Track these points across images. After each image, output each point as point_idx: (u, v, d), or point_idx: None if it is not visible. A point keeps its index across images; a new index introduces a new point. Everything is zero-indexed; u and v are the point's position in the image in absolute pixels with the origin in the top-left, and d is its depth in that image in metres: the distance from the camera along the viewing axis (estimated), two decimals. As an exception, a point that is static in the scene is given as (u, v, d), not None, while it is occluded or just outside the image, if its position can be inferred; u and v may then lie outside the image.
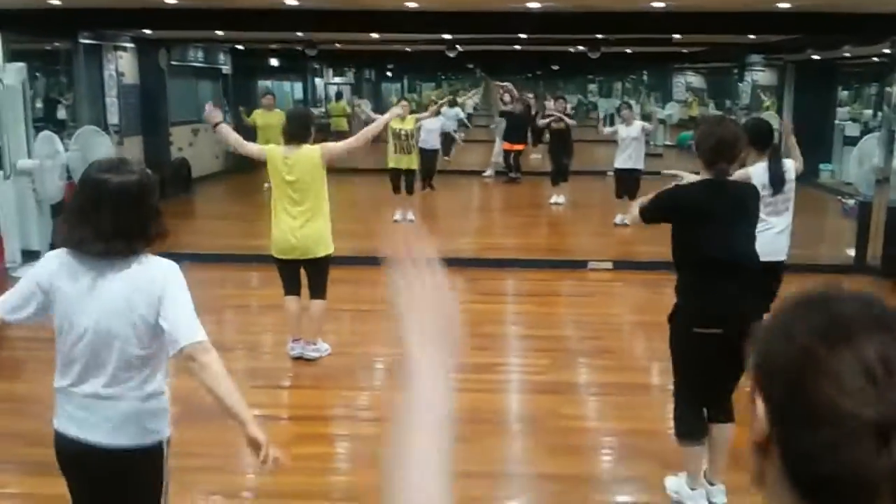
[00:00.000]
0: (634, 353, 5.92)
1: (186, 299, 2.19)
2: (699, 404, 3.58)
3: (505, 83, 15.57)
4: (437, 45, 13.13)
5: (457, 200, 13.01)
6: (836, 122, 15.56)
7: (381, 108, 26.48)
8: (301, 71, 18.10)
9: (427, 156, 12.01)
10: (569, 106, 12.46)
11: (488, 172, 15.41)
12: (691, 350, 3.46)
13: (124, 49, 11.43)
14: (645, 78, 24.79)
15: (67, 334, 2.15)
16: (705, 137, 3.38)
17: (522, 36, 11.46)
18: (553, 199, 11.93)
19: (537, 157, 18.30)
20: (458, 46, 12.65)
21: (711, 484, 3.62)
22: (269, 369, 5.41)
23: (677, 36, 11.34)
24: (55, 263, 2.18)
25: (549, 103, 13.56)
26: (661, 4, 7.32)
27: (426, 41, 13.13)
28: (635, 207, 3.71)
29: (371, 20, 8.86)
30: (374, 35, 12.16)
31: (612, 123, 24.03)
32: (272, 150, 5.13)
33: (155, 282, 2.15)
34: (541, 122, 11.88)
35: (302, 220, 4.97)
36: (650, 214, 3.60)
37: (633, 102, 14.52)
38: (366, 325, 6.21)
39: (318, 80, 21.99)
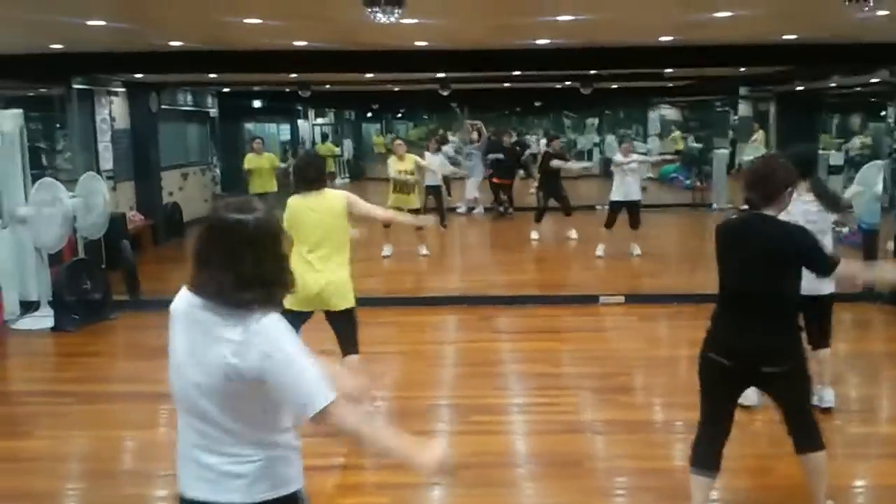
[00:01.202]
0: (664, 389, 5.81)
1: None
2: (716, 434, 3.52)
3: (476, 121, 15.76)
4: (427, 83, 13.17)
5: (454, 237, 12.95)
6: (821, 151, 15.78)
7: (362, 147, 26.65)
8: (286, 113, 18.09)
9: (434, 191, 12.50)
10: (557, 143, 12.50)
11: (462, 209, 15.50)
12: (703, 373, 3.50)
13: (115, 94, 11.31)
14: (621, 113, 25.10)
15: None
16: (749, 174, 3.45)
17: (517, 73, 11.50)
18: (535, 235, 12.01)
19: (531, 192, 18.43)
20: (451, 85, 12.71)
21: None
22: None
23: (669, 70, 11.46)
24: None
25: (533, 138, 13.73)
26: (669, 38, 7.38)
27: (417, 80, 13.15)
28: None
29: (374, 60, 8.83)
30: (370, 75, 12.16)
31: (590, 158, 24.44)
32: (290, 201, 4.84)
33: None
34: (555, 163, 11.79)
35: (324, 269, 4.66)
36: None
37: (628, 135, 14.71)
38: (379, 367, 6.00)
39: (300, 122, 22.04)
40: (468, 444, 4.82)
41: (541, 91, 17.22)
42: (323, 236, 4.69)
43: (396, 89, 16.37)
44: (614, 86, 14.73)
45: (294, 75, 12.17)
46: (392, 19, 4.69)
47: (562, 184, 12.00)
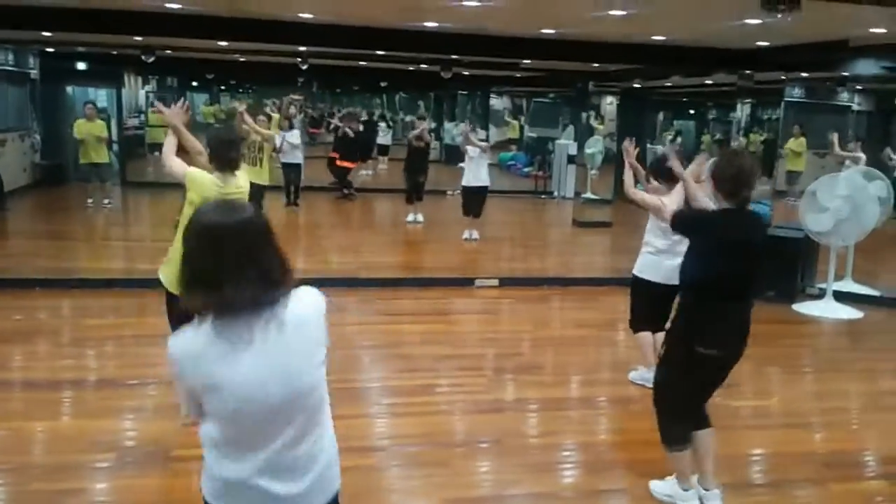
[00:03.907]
0: (561, 367, 6.06)
1: None
2: (693, 416, 3.76)
3: (298, 97, 15.35)
4: (287, 56, 12.77)
5: (311, 218, 12.69)
6: (648, 145, 17.03)
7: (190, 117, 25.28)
8: (113, 77, 16.76)
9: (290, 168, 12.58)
10: (424, 126, 12.54)
11: None
12: (689, 367, 3.61)
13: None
14: (458, 99, 25.56)
15: None
16: (725, 168, 3.52)
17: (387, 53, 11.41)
18: (410, 218, 11.96)
19: (368, 173, 18.36)
20: (309, 60, 12.41)
21: (706, 490, 3.80)
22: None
23: (527, 61, 11.85)
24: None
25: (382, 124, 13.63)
26: (551, 31, 7.63)
27: (277, 52, 12.70)
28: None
29: (243, 28, 8.43)
30: (223, 43, 11.56)
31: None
32: (201, 176, 4.39)
33: None
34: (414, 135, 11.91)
35: None
36: (682, 225, 3.75)
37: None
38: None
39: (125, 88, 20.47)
40: (391, 427, 4.81)
41: (389, 71, 17.15)
42: None
43: (243, 59, 15.68)
44: (466, 72, 14.98)
45: (139, 38, 11.31)
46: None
47: (424, 166, 12.09)
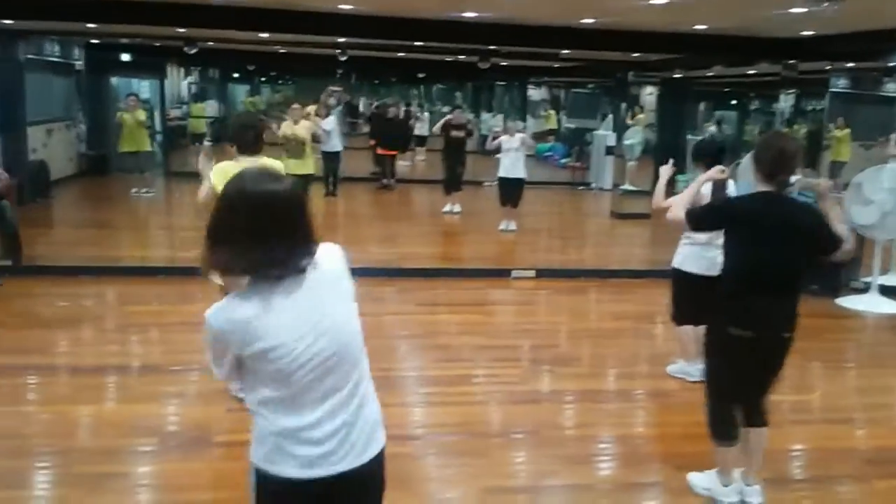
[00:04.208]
0: (598, 359, 6.04)
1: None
2: (732, 406, 3.70)
3: (337, 87, 15.41)
4: (326, 48, 12.84)
5: (349, 208, 12.78)
6: (689, 136, 16.80)
7: (230, 109, 25.60)
8: (156, 68, 17.02)
9: (328, 157, 12.69)
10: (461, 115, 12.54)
11: None
12: (727, 352, 3.58)
13: (-20, 39, 10.24)
14: (495, 90, 25.44)
15: None
16: (766, 149, 3.49)
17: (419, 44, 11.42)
18: (447, 208, 11.98)
19: (406, 163, 18.39)
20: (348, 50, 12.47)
21: (748, 485, 3.76)
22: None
23: (566, 51, 11.76)
24: None
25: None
26: (591, 21, 7.57)
27: (315, 44, 12.78)
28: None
29: (282, 20, 8.50)
30: (265, 35, 11.65)
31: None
32: (225, 164, 4.54)
33: None
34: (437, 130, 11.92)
35: None
36: (701, 222, 3.69)
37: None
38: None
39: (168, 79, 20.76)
40: (428, 416, 4.84)
41: (427, 62, 17.14)
42: None
43: (283, 51, 15.80)
44: (504, 63, 14.92)
45: (182, 30, 11.46)
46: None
47: (461, 157, 12.09)
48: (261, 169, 2.03)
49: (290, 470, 1.94)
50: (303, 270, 1.90)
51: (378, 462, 2.06)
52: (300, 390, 1.92)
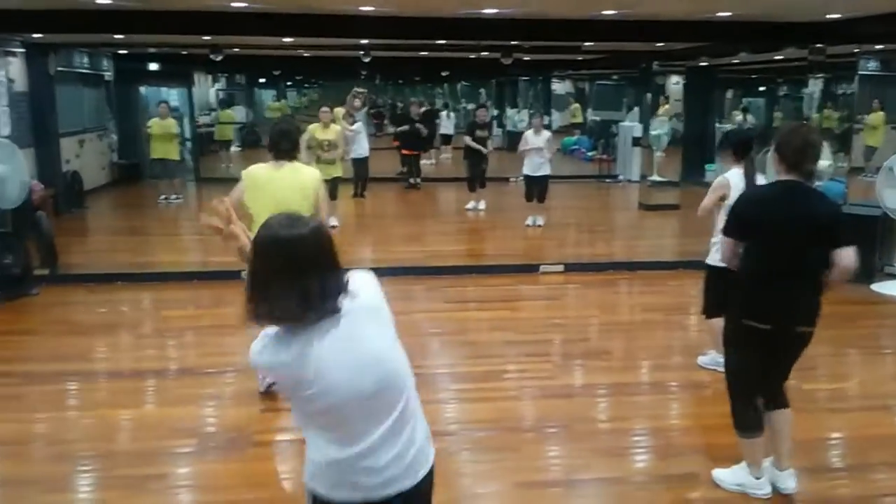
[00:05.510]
0: (629, 352, 6.02)
1: None
2: (755, 396, 3.68)
3: (362, 89, 15.50)
4: (349, 50, 12.91)
5: (377, 208, 12.85)
6: (717, 125, 16.63)
7: (258, 113, 25.86)
8: (183, 76, 17.25)
9: (357, 164, 12.78)
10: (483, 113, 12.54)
11: None
12: (745, 343, 3.58)
13: (13, 54, 10.44)
14: (519, 86, 25.37)
15: None
16: (791, 139, 3.46)
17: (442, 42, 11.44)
18: (471, 205, 12.01)
19: (431, 162, 18.43)
20: (371, 52, 12.53)
21: (780, 470, 3.73)
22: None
23: (589, 44, 11.70)
24: None
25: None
26: (613, 12, 7.53)
27: (339, 46, 12.85)
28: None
29: (301, 24, 8.57)
30: (288, 39, 11.75)
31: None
32: (253, 168, 4.75)
33: None
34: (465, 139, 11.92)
35: None
36: (732, 231, 3.63)
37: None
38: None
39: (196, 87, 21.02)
40: (461, 412, 4.87)
41: (450, 60, 17.17)
42: (287, 209, 4.51)
43: (307, 55, 15.92)
44: (527, 58, 14.88)
45: (207, 38, 11.59)
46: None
47: (483, 155, 12.10)
48: (287, 215, 2.00)
49: (353, 494, 1.97)
50: (338, 310, 1.90)
51: (429, 480, 2.09)
52: (351, 423, 1.93)
